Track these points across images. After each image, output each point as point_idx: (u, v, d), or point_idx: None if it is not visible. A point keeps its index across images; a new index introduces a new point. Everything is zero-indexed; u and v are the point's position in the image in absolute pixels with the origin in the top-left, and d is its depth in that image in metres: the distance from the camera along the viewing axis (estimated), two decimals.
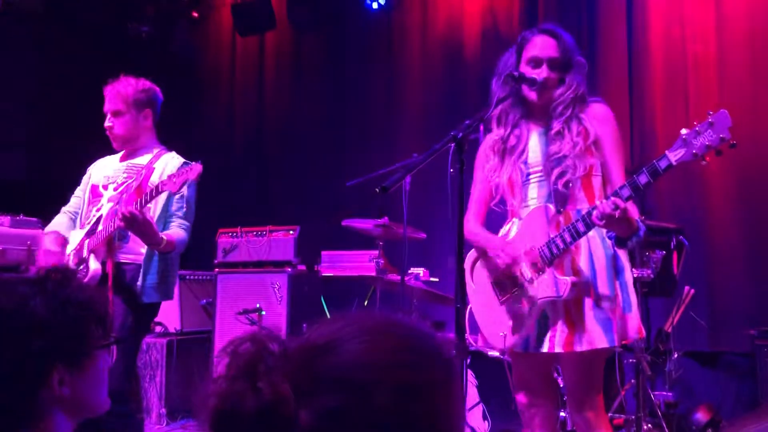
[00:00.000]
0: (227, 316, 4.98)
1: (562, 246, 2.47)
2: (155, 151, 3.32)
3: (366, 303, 4.83)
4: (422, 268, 4.62)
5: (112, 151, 3.41)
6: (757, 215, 4.90)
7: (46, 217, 3.48)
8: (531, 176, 2.64)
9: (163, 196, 3.09)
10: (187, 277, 5.40)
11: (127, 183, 3.23)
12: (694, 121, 2.25)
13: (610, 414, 3.84)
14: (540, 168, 2.62)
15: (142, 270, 3.12)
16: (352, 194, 4.50)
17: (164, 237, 3.04)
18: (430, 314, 5.12)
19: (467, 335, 3.21)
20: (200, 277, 5.53)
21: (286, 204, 6.48)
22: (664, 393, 4.27)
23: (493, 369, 3.99)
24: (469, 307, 2.78)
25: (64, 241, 3.23)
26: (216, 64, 7.47)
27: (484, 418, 3.99)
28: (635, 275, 3.76)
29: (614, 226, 2.38)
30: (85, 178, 3.45)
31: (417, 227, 4.45)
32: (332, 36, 6.84)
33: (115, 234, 3.08)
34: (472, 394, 3.99)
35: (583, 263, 2.53)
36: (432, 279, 4.74)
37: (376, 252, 4.66)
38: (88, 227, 3.19)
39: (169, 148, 3.38)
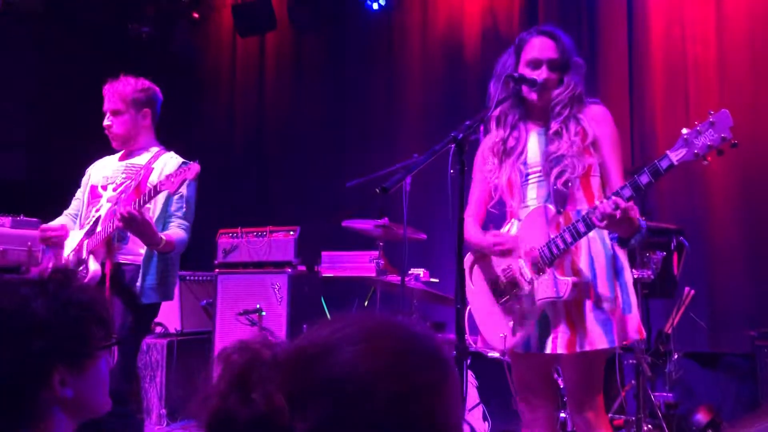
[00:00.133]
0: (227, 316, 4.98)
1: (562, 246, 2.47)
2: (154, 150, 3.32)
3: (366, 303, 4.83)
4: (422, 269, 4.61)
5: (112, 151, 3.41)
6: (758, 216, 4.90)
7: (47, 218, 3.48)
8: (530, 176, 2.64)
9: (162, 196, 3.09)
10: (188, 277, 5.40)
11: (125, 183, 3.23)
12: (695, 121, 2.25)
13: (610, 415, 3.84)
14: (539, 168, 2.62)
15: (141, 271, 3.11)
16: (352, 195, 4.49)
17: (163, 237, 3.03)
18: (431, 315, 5.12)
19: (467, 336, 3.21)
20: (200, 278, 5.53)
21: (287, 204, 6.48)
22: (665, 394, 4.27)
23: (494, 370, 3.99)
24: (468, 309, 2.77)
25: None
26: (216, 65, 7.47)
27: (485, 418, 3.99)
28: (635, 276, 3.77)
29: (616, 227, 2.38)
30: (84, 179, 3.45)
31: (417, 228, 4.45)
32: (332, 36, 6.84)
33: (113, 234, 3.08)
34: (473, 395, 3.99)
35: (583, 264, 2.53)
36: (432, 280, 4.74)
37: (377, 253, 4.66)
38: (87, 228, 3.18)
39: (169, 148, 3.38)
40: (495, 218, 2.78)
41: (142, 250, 3.13)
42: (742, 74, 5.03)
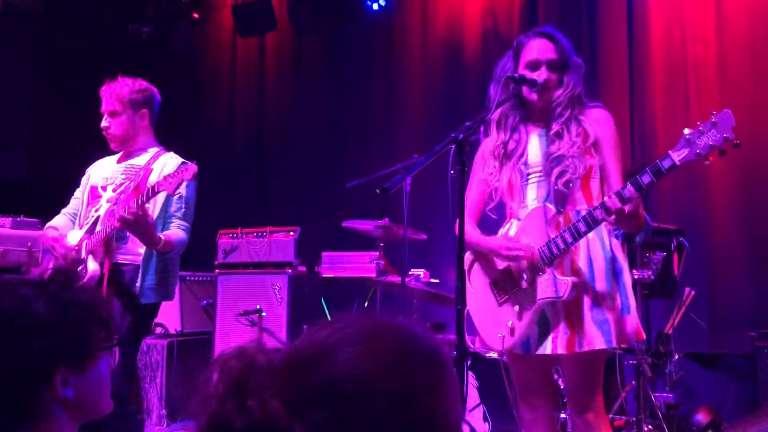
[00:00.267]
0: (228, 317, 4.98)
1: (562, 246, 2.47)
2: (153, 151, 3.32)
3: (366, 304, 4.83)
4: (423, 270, 4.61)
5: (112, 152, 3.41)
6: (758, 216, 4.90)
7: (47, 218, 3.48)
8: (530, 176, 2.64)
9: (162, 197, 3.09)
10: (188, 278, 5.40)
11: (125, 184, 3.22)
12: (698, 121, 2.25)
13: (610, 415, 3.84)
14: (539, 168, 2.62)
15: (140, 271, 3.11)
16: (352, 195, 4.49)
17: (162, 237, 3.03)
18: (431, 316, 5.12)
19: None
20: (201, 278, 5.53)
21: (287, 205, 6.48)
22: (665, 394, 4.27)
23: (494, 371, 3.99)
24: (466, 309, 2.77)
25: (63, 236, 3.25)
26: (216, 65, 7.48)
27: (485, 419, 3.99)
28: (636, 276, 3.76)
29: (623, 222, 2.38)
30: (83, 180, 3.45)
31: (417, 228, 4.44)
32: (333, 37, 6.84)
33: (112, 234, 3.07)
34: (473, 396, 3.98)
35: (581, 265, 2.52)
36: (432, 280, 4.74)
37: (377, 253, 4.66)
38: (86, 227, 3.19)
39: (169, 149, 3.38)
40: (493, 223, 2.78)
41: (142, 250, 3.13)
42: (742, 74, 5.03)
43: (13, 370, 1.32)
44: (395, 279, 4.41)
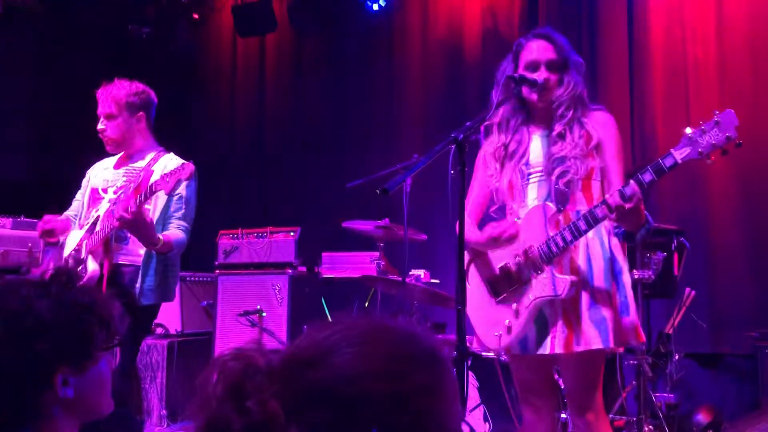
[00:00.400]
0: (228, 317, 4.98)
1: (562, 244, 2.47)
2: (153, 153, 3.32)
3: (367, 304, 4.83)
4: (423, 270, 4.61)
5: (112, 153, 3.41)
6: (758, 216, 4.90)
7: None
8: (531, 176, 2.64)
9: (161, 198, 3.09)
10: (188, 278, 5.40)
11: (126, 186, 3.23)
12: (700, 121, 2.25)
13: (611, 416, 3.84)
14: (541, 168, 2.62)
15: (141, 271, 3.11)
16: (352, 195, 4.49)
17: (161, 238, 3.03)
18: (431, 316, 5.12)
19: None
20: (201, 279, 5.53)
21: (287, 205, 6.48)
22: (666, 395, 4.26)
23: (495, 370, 3.98)
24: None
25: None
26: (217, 65, 7.47)
27: (485, 419, 3.99)
28: (636, 276, 3.76)
29: (624, 219, 2.38)
30: (84, 182, 3.46)
31: (418, 228, 4.44)
32: (333, 37, 6.84)
33: (112, 235, 3.08)
34: (473, 396, 3.98)
35: (580, 263, 2.52)
36: (433, 280, 4.74)
37: (377, 253, 4.66)
38: (86, 228, 3.19)
39: (169, 149, 3.38)
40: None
41: (142, 251, 3.13)
42: (742, 74, 5.03)
43: (14, 371, 1.32)
44: (396, 279, 4.41)
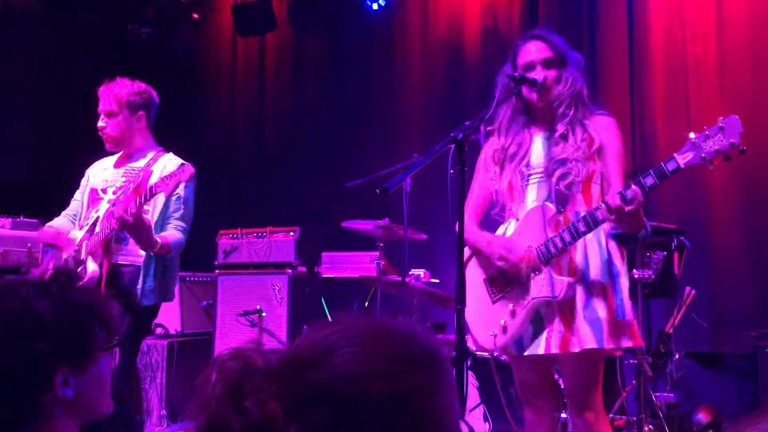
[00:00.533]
0: (228, 317, 4.98)
1: (560, 246, 2.47)
2: (152, 153, 3.32)
3: (366, 304, 4.83)
4: (423, 270, 4.61)
5: (111, 152, 3.41)
6: (758, 216, 4.90)
7: (47, 219, 3.48)
8: (531, 177, 2.64)
9: (161, 199, 3.09)
10: (188, 278, 5.40)
11: (125, 186, 3.22)
12: (704, 125, 2.24)
13: (611, 415, 3.84)
14: (541, 169, 2.62)
15: (141, 272, 3.11)
16: (352, 195, 4.49)
17: (158, 239, 3.03)
18: (431, 316, 5.12)
19: None
20: (201, 279, 5.53)
21: (287, 205, 6.48)
22: (666, 394, 4.26)
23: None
24: None
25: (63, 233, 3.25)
26: (216, 65, 7.47)
27: (485, 419, 3.99)
28: (636, 276, 3.76)
29: (623, 221, 2.37)
30: (83, 182, 3.45)
31: (417, 228, 4.44)
32: (332, 37, 6.84)
33: (111, 236, 3.07)
34: (473, 396, 3.98)
35: (578, 265, 2.52)
36: (433, 280, 4.74)
37: (377, 253, 4.65)
38: (86, 228, 3.19)
39: (169, 149, 3.38)
40: (496, 224, 2.78)
41: (142, 252, 3.13)
42: (742, 74, 5.03)
43: (14, 371, 1.32)
44: (395, 279, 4.42)
